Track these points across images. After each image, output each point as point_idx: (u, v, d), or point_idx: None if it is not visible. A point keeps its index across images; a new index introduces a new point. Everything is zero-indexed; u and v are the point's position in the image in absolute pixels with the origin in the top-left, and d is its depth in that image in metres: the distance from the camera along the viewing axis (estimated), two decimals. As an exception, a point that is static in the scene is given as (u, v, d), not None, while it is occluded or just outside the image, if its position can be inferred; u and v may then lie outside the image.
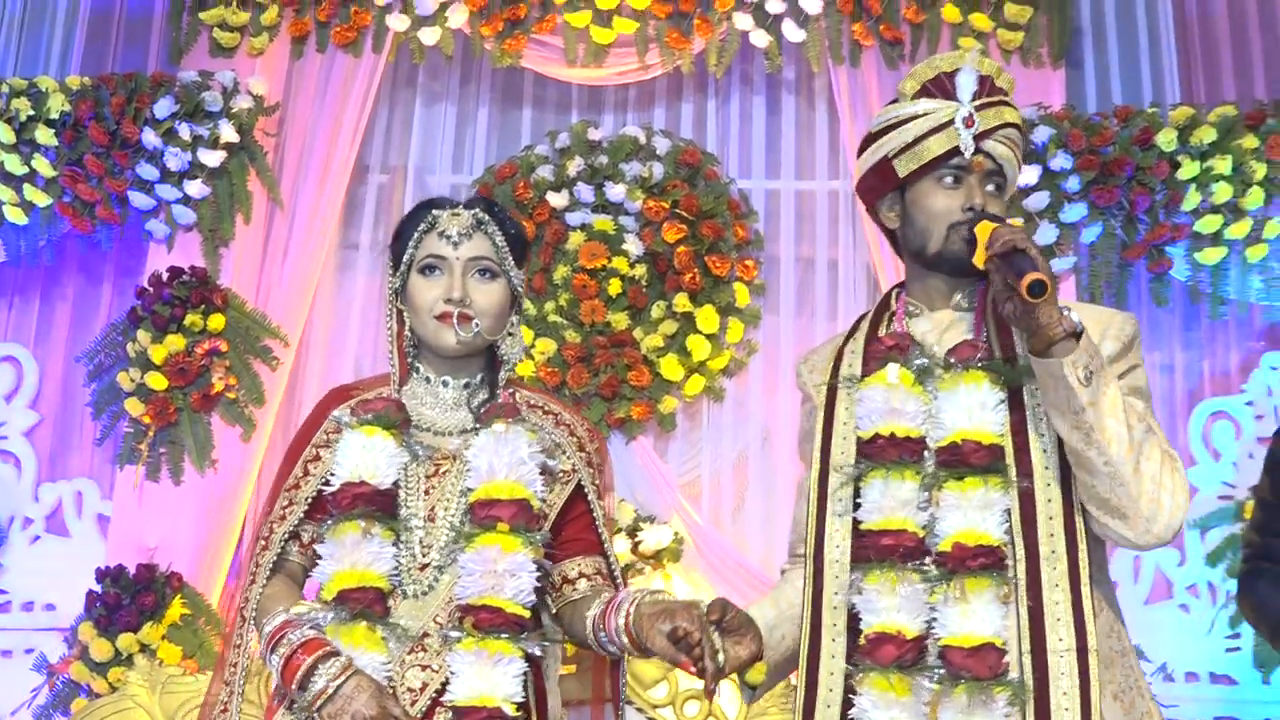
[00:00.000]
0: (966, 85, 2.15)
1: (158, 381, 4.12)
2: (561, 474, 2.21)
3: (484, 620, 2.05)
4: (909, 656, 1.96)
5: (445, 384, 2.25)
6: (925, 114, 2.15)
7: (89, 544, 4.23)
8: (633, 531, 4.05)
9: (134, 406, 4.16)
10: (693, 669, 2.05)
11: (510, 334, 2.22)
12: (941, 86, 2.18)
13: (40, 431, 4.40)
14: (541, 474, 2.15)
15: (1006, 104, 2.19)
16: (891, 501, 2.06)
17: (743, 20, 4.37)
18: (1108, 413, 1.93)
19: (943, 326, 2.19)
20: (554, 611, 2.23)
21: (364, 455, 2.10)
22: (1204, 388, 4.34)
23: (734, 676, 2.56)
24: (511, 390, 2.28)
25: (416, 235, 2.20)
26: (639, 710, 3.24)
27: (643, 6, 4.37)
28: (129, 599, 3.92)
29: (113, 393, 4.23)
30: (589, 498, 2.26)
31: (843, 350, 2.25)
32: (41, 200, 4.30)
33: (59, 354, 4.48)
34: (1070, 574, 1.98)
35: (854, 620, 2.04)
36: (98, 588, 3.98)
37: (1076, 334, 1.94)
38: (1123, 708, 1.99)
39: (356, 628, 2.03)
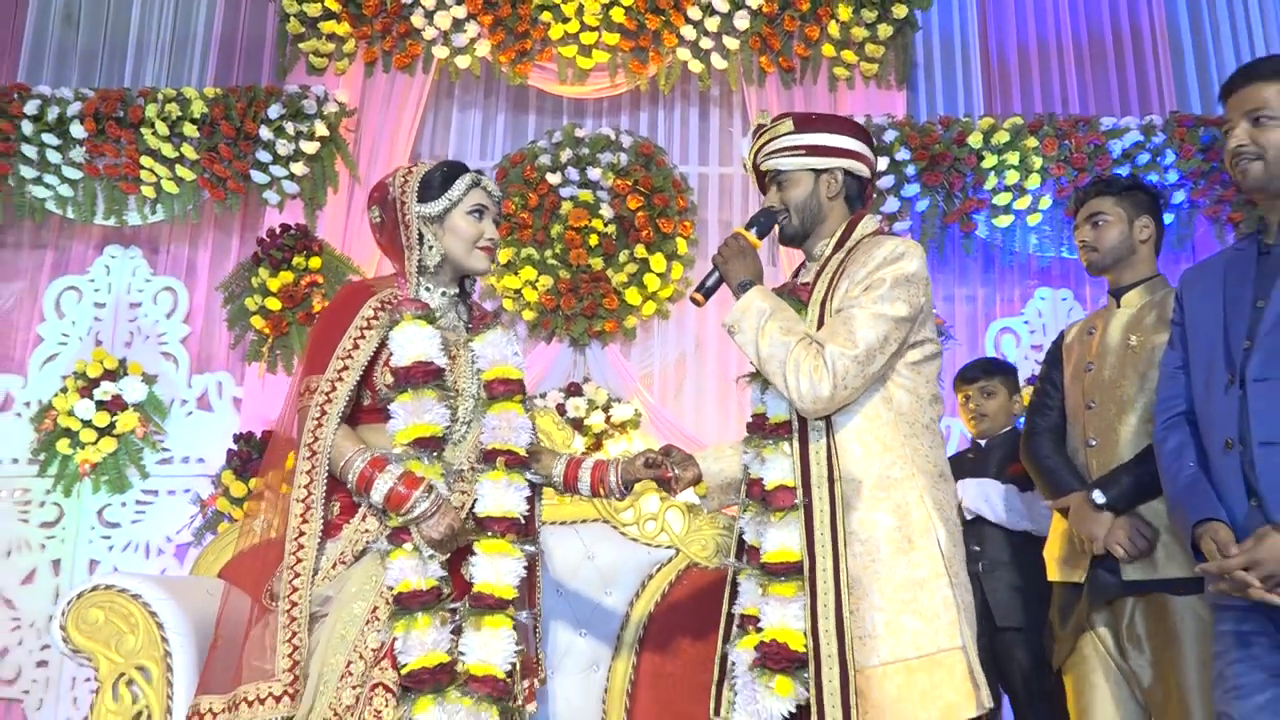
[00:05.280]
0: (745, 143, 2.31)
1: (274, 304, 4.16)
2: None
3: (510, 460, 2.10)
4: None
5: (444, 293, 2.21)
6: None
7: (227, 417, 4.25)
8: (606, 408, 4.14)
9: (257, 322, 4.18)
10: (667, 474, 2.25)
11: None
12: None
13: (191, 339, 4.38)
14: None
15: (766, 132, 2.26)
16: (757, 395, 2.19)
17: (683, 53, 4.42)
18: (757, 340, 2.05)
19: (808, 272, 2.26)
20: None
21: (426, 342, 2.07)
22: (996, 311, 4.40)
23: (686, 501, 2.72)
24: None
25: (466, 186, 2.18)
26: (613, 528, 3.04)
27: (613, 43, 4.40)
28: (256, 454, 3.98)
29: (242, 312, 4.25)
30: None
31: None
32: (188, 176, 4.31)
33: (203, 284, 4.45)
34: (826, 430, 2.04)
35: None
36: (235, 447, 4.04)
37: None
38: (897, 517, 2.00)
39: (435, 466, 2.04)
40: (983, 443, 3.28)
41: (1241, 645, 1.92)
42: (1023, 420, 3.16)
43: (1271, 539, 1.83)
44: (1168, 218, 3.96)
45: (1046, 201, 4.24)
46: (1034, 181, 4.20)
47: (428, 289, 2.21)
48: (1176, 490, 2.04)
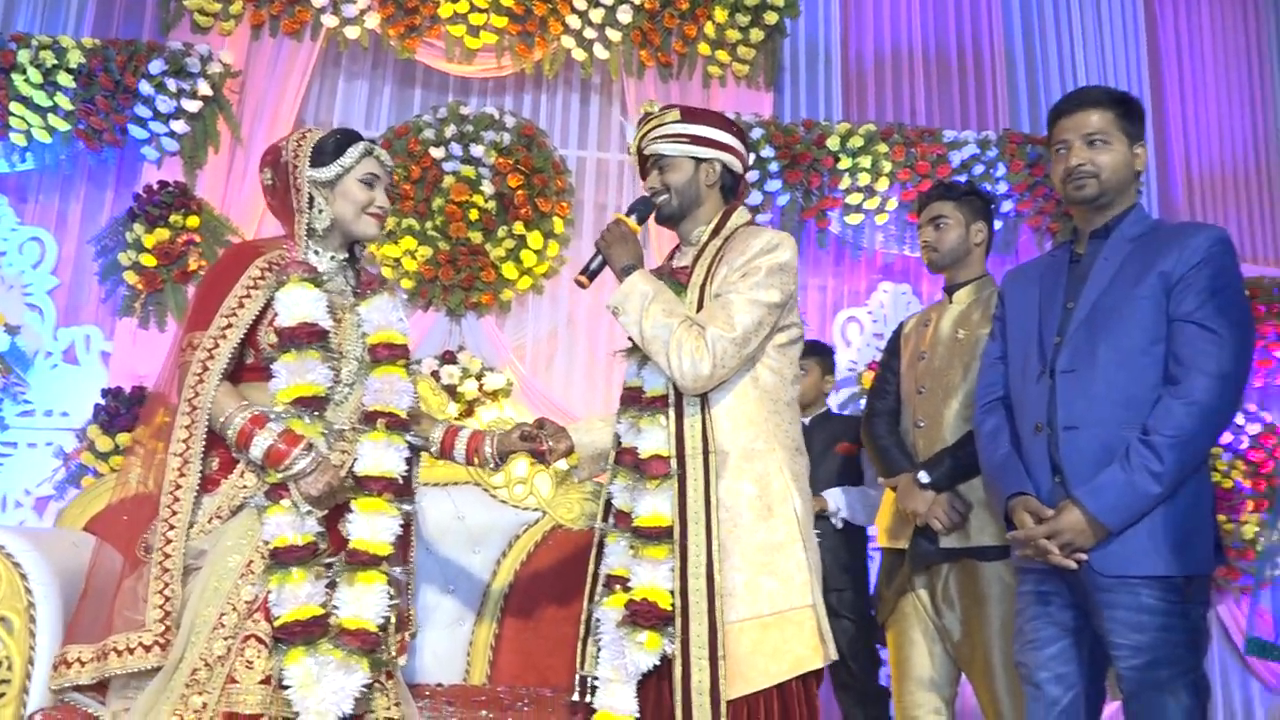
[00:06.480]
0: (629, 129, 2.32)
1: (149, 260, 3.96)
2: None
3: (391, 422, 2.09)
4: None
5: (332, 258, 2.18)
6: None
7: (95, 372, 4.03)
8: (479, 377, 4.09)
9: (130, 277, 3.97)
10: (542, 447, 2.29)
11: None
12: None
13: (58, 291, 4.11)
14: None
15: (654, 119, 2.30)
16: (634, 370, 2.23)
17: (568, 41, 4.37)
18: (641, 321, 2.07)
19: (685, 256, 2.29)
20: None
21: (311, 304, 2.04)
22: (844, 301, 4.50)
23: (556, 468, 2.74)
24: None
25: (359, 154, 2.15)
26: (484, 490, 3.05)
27: (501, 26, 4.30)
28: (125, 409, 3.82)
29: (115, 267, 4.02)
30: None
31: None
32: (62, 126, 4.02)
33: (73, 237, 4.17)
34: (700, 405, 2.08)
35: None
36: (103, 401, 3.85)
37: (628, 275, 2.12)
38: (759, 487, 2.05)
39: (315, 425, 2.01)
40: (806, 421, 3.43)
41: (1040, 603, 2.09)
42: (831, 401, 3.29)
43: (1070, 511, 1.99)
44: (996, 224, 4.18)
45: (893, 203, 4.38)
46: (883, 184, 4.33)
47: (316, 252, 2.17)
48: (992, 467, 2.19)
